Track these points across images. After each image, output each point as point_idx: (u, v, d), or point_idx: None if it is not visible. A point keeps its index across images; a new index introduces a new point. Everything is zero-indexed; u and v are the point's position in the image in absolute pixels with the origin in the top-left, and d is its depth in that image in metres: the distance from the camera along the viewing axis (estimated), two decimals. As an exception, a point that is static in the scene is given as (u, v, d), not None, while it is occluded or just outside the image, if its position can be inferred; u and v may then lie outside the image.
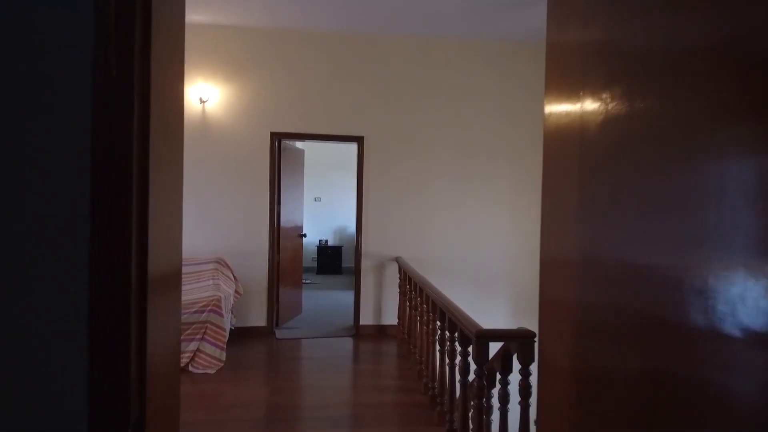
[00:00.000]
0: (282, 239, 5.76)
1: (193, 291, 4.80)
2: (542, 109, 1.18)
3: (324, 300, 7.53)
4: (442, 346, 3.58)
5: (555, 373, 1.14)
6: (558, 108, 1.13)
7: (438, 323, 3.64)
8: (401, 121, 5.58)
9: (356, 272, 5.62)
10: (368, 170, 5.55)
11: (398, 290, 5.35)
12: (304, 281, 8.84)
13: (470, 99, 5.68)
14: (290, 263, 6.09)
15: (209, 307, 4.37)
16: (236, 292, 5.07)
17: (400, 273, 5.35)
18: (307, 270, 9.94)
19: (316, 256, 9.92)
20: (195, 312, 4.34)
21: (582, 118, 1.01)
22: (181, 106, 1.24)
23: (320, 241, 9.96)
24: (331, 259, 9.81)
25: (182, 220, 1.24)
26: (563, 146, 1.11)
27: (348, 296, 6.92)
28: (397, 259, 5.50)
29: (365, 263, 5.58)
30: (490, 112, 5.72)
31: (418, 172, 5.63)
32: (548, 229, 1.16)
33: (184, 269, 5.16)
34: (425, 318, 4.09)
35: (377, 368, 4.45)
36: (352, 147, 5.69)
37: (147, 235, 0.97)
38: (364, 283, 5.59)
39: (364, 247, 5.57)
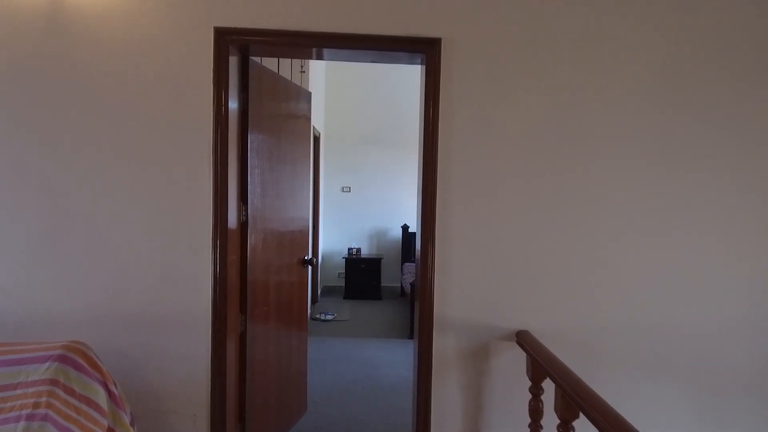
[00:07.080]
0: (257, 276, 2.64)
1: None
2: None
3: (351, 363, 4.36)
4: None
5: None
6: None
7: None
8: (528, 14, 2.31)
9: (422, 366, 2.40)
10: (449, 119, 2.31)
11: (526, 409, 2.16)
12: (322, 317, 5.75)
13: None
14: (281, 316, 2.97)
15: None
16: (109, 437, 1.94)
17: (529, 371, 2.16)
18: (331, 292, 6.86)
19: (343, 271, 6.80)
20: None
21: None
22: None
23: (349, 250, 6.82)
24: (366, 277, 6.65)
25: None
26: None
27: (394, 354, 4.38)
28: (518, 336, 2.29)
29: (443, 343, 2.37)
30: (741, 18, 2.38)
31: (567, 135, 2.36)
32: None
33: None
34: None
35: None
36: (410, 91, 2.46)
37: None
38: (439, 393, 2.38)
39: (440, 306, 2.36)
